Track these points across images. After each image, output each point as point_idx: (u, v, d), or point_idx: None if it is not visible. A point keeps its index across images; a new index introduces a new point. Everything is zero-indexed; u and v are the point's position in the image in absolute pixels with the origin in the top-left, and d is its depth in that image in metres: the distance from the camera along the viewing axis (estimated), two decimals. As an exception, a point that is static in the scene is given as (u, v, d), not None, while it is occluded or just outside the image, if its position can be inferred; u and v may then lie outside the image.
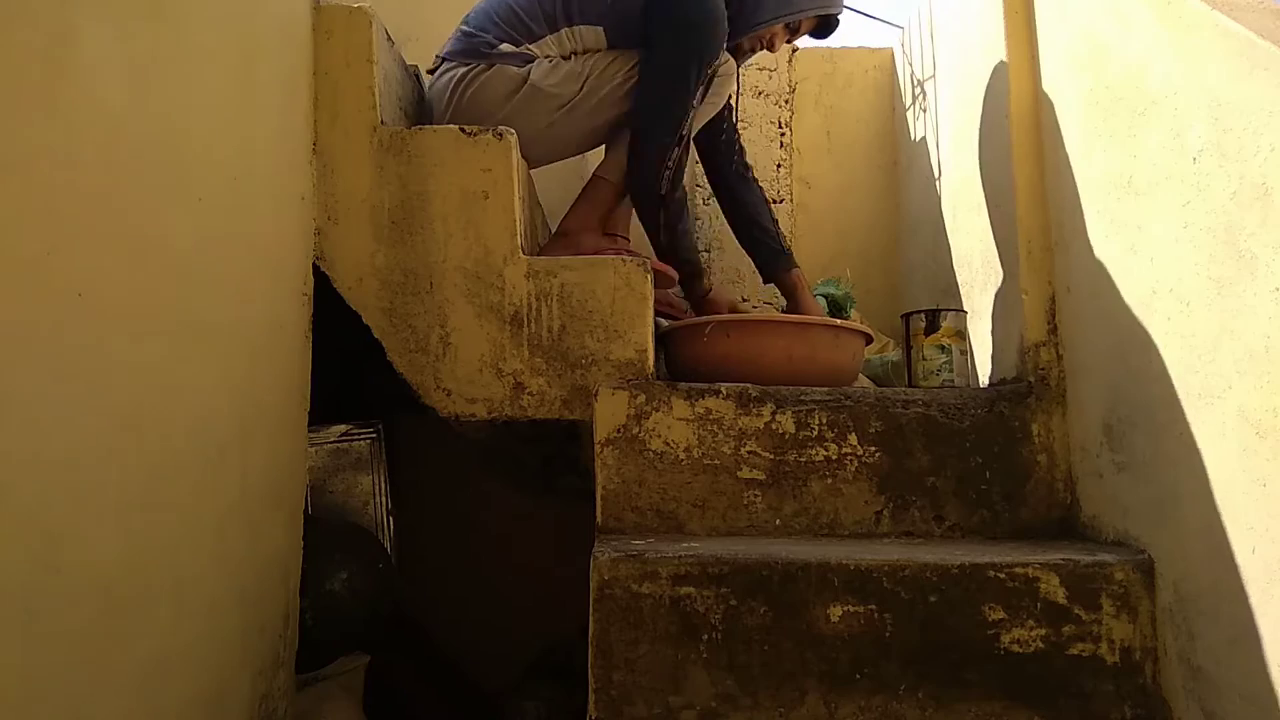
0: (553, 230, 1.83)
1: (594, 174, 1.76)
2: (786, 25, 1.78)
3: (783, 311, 1.88)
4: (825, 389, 1.36)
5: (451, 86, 1.67)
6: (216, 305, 1.07)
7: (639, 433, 1.32)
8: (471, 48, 1.68)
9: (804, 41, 1.91)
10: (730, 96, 1.85)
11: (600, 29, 1.68)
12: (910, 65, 2.22)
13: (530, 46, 1.67)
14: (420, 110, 1.75)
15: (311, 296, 1.39)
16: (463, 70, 1.67)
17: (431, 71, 1.74)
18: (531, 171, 1.71)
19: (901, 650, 1.09)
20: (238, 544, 1.13)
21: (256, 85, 1.21)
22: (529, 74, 1.65)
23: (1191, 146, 1.03)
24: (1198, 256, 1.02)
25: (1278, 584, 0.89)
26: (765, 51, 1.87)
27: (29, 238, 0.72)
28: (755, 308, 2.34)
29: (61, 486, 0.77)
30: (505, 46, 1.67)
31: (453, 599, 2.29)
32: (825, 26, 1.85)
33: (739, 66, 1.91)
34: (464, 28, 1.72)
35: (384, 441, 1.61)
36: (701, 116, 1.72)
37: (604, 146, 1.77)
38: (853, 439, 1.32)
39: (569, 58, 1.68)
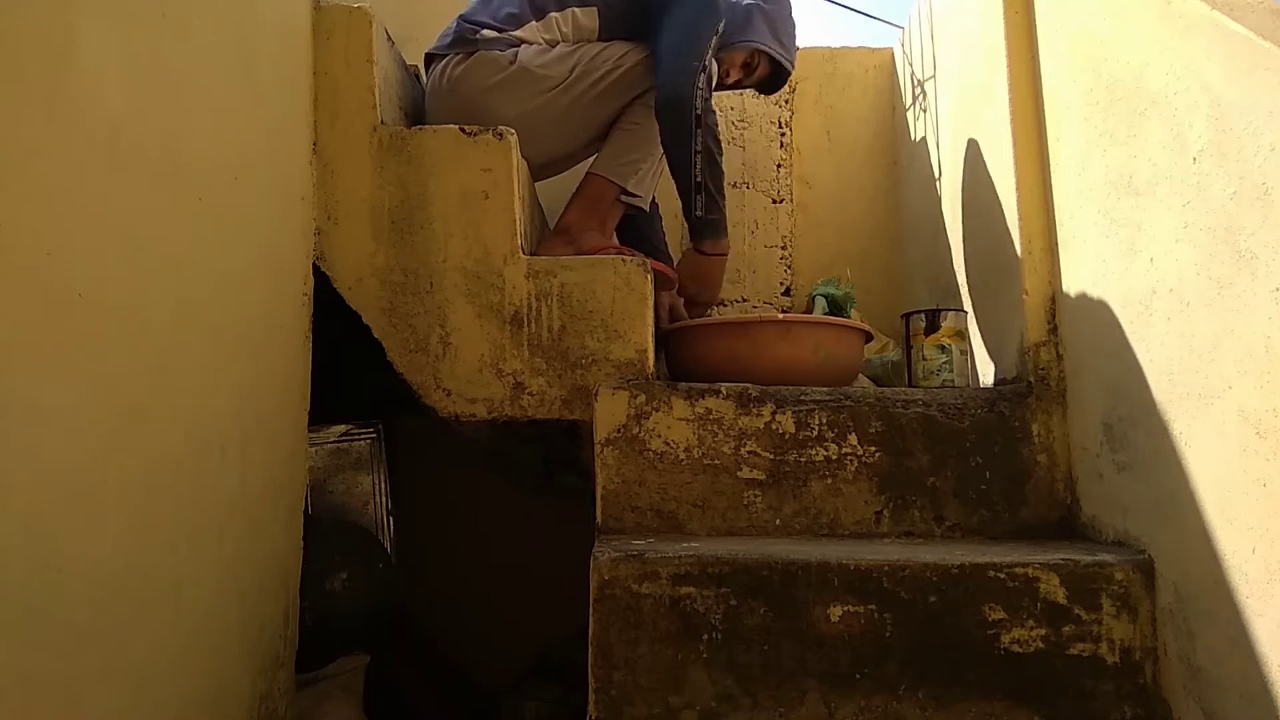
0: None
1: (589, 172, 1.75)
2: (746, 62, 1.88)
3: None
4: (825, 389, 1.36)
5: (436, 77, 1.69)
6: (216, 305, 1.07)
7: (639, 433, 1.32)
8: (458, 36, 1.70)
9: (801, 40, 1.95)
10: None
11: (595, 9, 1.70)
12: (910, 65, 2.22)
13: (515, 33, 1.68)
14: (419, 110, 1.75)
15: (311, 296, 1.39)
16: (448, 60, 1.68)
17: (425, 71, 1.74)
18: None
19: (902, 650, 1.09)
20: (238, 544, 1.13)
21: (256, 85, 1.21)
22: (516, 56, 1.66)
23: (1191, 146, 1.03)
24: (1198, 256, 1.02)
25: (1278, 584, 0.89)
26: (731, 88, 1.96)
27: (29, 238, 0.72)
28: (755, 308, 2.35)
29: (61, 486, 0.77)
30: (487, 33, 1.68)
31: (453, 599, 2.29)
32: (774, 79, 1.94)
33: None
34: (458, 19, 1.73)
35: (384, 441, 1.61)
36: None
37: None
38: (853, 439, 1.32)
39: (555, 45, 1.69)
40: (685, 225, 1.73)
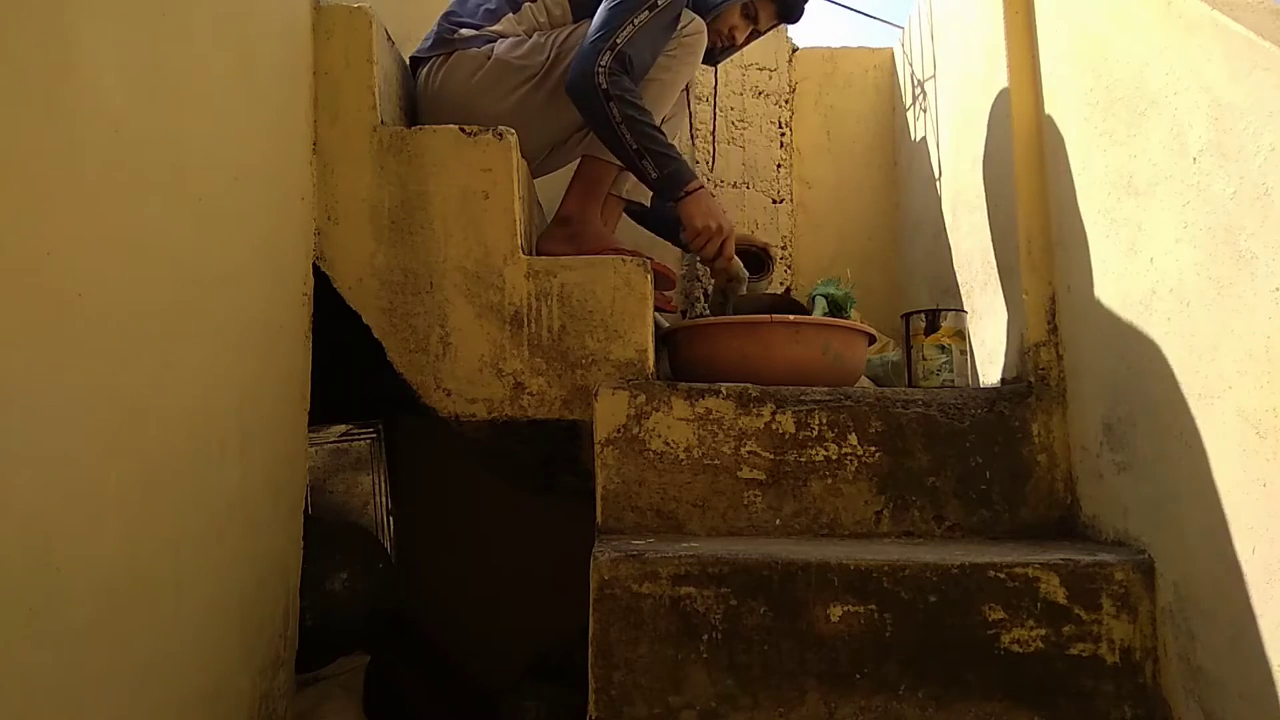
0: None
1: (583, 154, 1.75)
2: (744, 13, 1.81)
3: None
4: (825, 389, 1.36)
5: (423, 82, 1.70)
6: (216, 305, 1.07)
7: (639, 433, 1.32)
8: (438, 37, 1.71)
9: (801, 40, 1.94)
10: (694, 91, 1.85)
11: None
12: (910, 65, 2.22)
13: (492, 28, 1.69)
14: (416, 110, 1.75)
15: (311, 296, 1.39)
16: (430, 64, 1.69)
17: (414, 75, 1.75)
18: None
19: (901, 650, 1.09)
20: (238, 543, 1.13)
21: (256, 85, 1.21)
22: (492, 52, 1.66)
23: (1191, 146, 1.03)
24: (1198, 256, 1.02)
25: (1278, 584, 0.89)
26: (748, 40, 1.89)
27: (29, 238, 0.72)
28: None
29: (62, 485, 0.77)
30: (465, 31, 1.68)
31: (453, 599, 2.29)
32: (789, 10, 1.85)
33: (715, 68, 1.97)
34: (440, 18, 1.74)
35: (384, 441, 1.61)
36: (672, 84, 1.71)
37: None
38: (853, 439, 1.32)
39: (533, 35, 1.69)
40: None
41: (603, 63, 1.54)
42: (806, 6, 1.87)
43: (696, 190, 1.59)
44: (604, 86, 1.53)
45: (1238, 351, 0.95)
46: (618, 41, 1.55)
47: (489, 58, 1.66)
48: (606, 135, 1.57)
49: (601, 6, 1.61)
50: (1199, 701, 1.02)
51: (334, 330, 1.43)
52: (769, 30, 1.91)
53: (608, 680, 1.09)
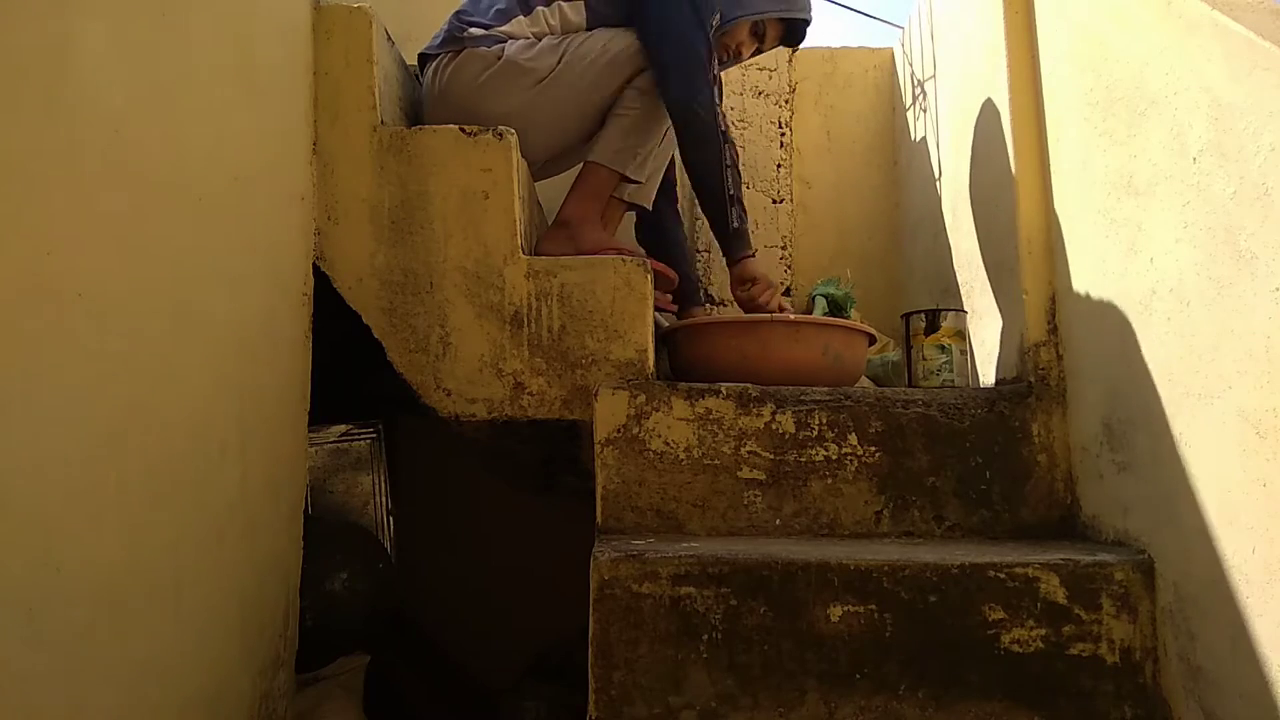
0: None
1: (586, 160, 1.74)
2: (753, 31, 1.81)
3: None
4: (825, 389, 1.36)
5: (429, 80, 1.70)
6: (216, 305, 1.07)
7: (639, 433, 1.32)
8: (448, 35, 1.71)
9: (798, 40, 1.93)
10: None
11: (581, 3, 1.69)
12: (910, 65, 2.22)
13: (502, 29, 1.69)
14: (419, 110, 1.75)
15: (311, 296, 1.39)
16: (438, 61, 1.70)
17: (419, 74, 1.75)
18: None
19: (901, 650, 1.09)
20: (238, 544, 1.13)
21: (256, 85, 1.21)
22: (503, 52, 1.66)
23: (1191, 146, 1.03)
24: (1198, 256, 1.02)
25: (1278, 584, 0.89)
26: (751, 57, 1.91)
27: (29, 238, 0.72)
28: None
29: (61, 486, 0.77)
30: (475, 30, 1.68)
31: (453, 599, 2.29)
32: (793, 34, 1.87)
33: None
34: (451, 16, 1.74)
35: (384, 441, 1.61)
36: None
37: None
38: (853, 439, 1.32)
39: (543, 39, 1.69)
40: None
41: (718, 101, 1.55)
42: (808, 31, 1.88)
43: (754, 252, 1.65)
44: (723, 129, 1.56)
45: (1238, 351, 0.95)
46: (717, 74, 1.57)
47: (499, 58, 1.66)
48: (708, 174, 1.59)
49: (656, 20, 1.58)
50: (1199, 701, 1.02)
51: (334, 330, 1.43)
52: (770, 50, 1.93)
53: (608, 680, 1.09)
